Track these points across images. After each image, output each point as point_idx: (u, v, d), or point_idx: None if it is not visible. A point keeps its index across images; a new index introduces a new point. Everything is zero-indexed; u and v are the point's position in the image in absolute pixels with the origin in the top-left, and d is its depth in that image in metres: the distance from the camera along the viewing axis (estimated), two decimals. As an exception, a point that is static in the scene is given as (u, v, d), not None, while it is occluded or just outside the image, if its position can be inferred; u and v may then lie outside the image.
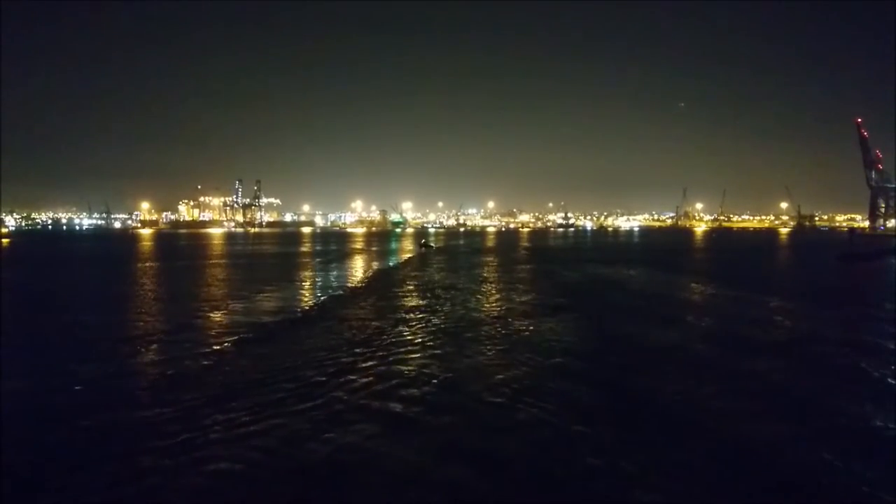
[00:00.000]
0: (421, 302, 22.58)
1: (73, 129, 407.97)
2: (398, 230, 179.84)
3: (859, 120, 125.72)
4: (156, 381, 11.31)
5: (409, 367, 12.33)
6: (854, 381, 11.63)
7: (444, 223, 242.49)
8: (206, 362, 12.89)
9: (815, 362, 13.16)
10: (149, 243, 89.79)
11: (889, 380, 11.74)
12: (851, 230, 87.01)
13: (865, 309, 21.90)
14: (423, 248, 68.26)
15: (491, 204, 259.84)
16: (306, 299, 24.15)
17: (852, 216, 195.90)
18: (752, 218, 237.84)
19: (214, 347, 14.45)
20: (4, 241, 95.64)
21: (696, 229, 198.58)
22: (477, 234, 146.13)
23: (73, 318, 19.10)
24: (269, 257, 55.18)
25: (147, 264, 45.72)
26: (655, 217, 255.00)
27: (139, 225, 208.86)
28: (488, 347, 14.46)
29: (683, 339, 15.54)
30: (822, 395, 10.50)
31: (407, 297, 24.27)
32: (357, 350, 13.93)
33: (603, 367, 12.47)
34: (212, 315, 19.70)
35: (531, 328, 17.02)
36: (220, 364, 12.74)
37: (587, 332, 16.63)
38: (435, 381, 11.31)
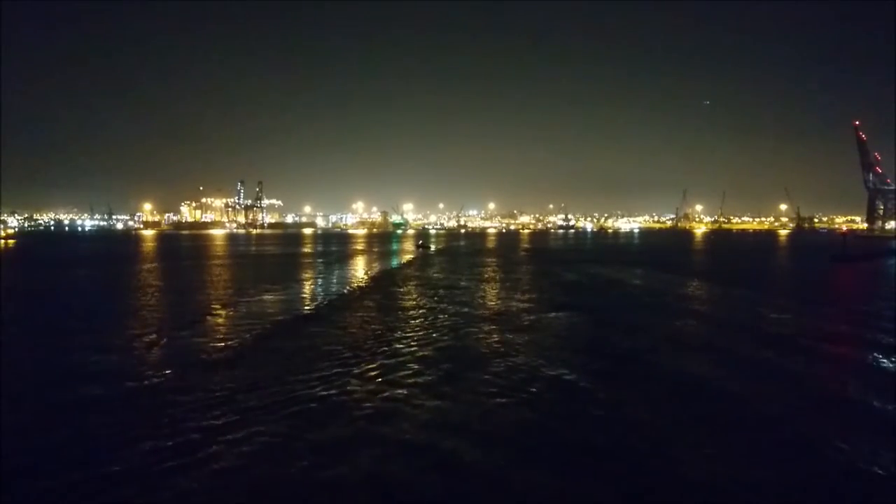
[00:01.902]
0: (425, 300, 23.45)
1: (74, 131, 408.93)
2: (399, 231, 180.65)
3: (857, 122, 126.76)
4: (184, 367, 12.22)
5: (419, 354, 13.25)
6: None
7: (445, 224, 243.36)
8: (229, 354, 13.83)
9: (776, 367, 13.70)
10: (152, 244, 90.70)
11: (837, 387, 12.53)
12: (844, 232, 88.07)
13: (842, 309, 22.74)
14: (422, 249, 69.23)
15: (491, 205, 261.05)
16: (316, 297, 25.00)
17: (852, 218, 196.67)
18: (751, 220, 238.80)
19: (234, 340, 15.36)
20: (10, 241, 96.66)
21: (695, 231, 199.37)
22: (478, 236, 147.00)
23: (98, 313, 20.05)
24: (272, 258, 56.07)
25: (154, 264, 46.63)
26: (656, 219, 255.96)
27: (141, 226, 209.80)
28: (487, 337, 15.38)
29: (665, 340, 16.42)
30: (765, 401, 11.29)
31: (411, 295, 25.13)
32: (368, 343, 14.83)
33: (592, 361, 13.37)
34: (225, 312, 20.59)
35: (529, 323, 17.91)
36: (242, 354, 13.68)
37: (583, 328, 17.54)
38: (442, 363, 12.26)
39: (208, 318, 19.36)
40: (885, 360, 13.65)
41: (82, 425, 8.97)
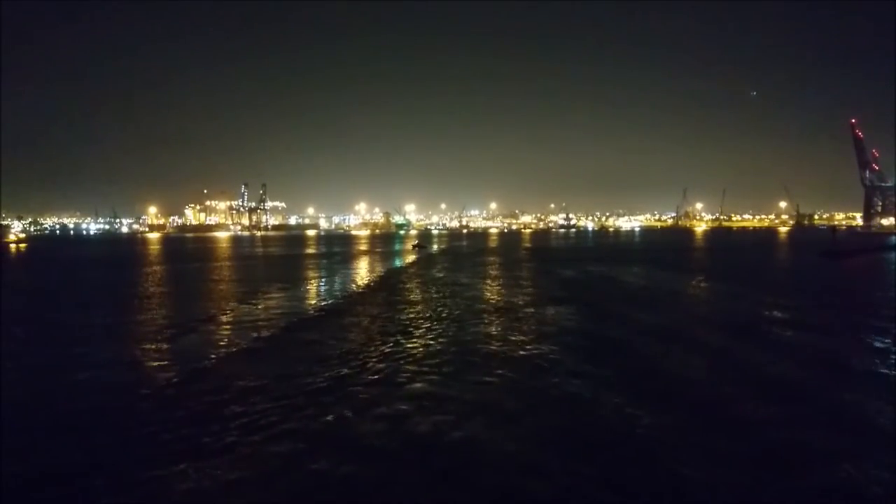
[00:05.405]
0: (431, 296, 25.03)
1: (78, 135, 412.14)
2: (402, 232, 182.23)
3: (854, 120, 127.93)
4: (225, 355, 13.85)
5: (430, 345, 14.86)
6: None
7: (447, 225, 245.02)
8: (262, 344, 15.49)
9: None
10: (158, 247, 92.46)
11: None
12: (832, 229, 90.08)
13: (817, 301, 24.26)
14: (420, 248, 71.07)
15: (493, 205, 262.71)
16: (328, 295, 26.60)
17: (852, 214, 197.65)
18: (752, 217, 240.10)
19: (264, 332, 16.99)
20: (21, 245, 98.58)
21: (696, 229, 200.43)
22: (479, 236, 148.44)
23: (122, 310, 21.72)
24: (279, 259, 57.64)
25: (165, 266, 48.29)
26: (657, 217, 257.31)
27: (146, 229, 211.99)
28: (490, 329, 16.96)
29: (651, 333, 18.00)
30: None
31: (417, 292, 26.72)
32: (382, 335, 16.44)
33: (585, 349, 14.98)
34: (245, 308, 22.16)
35: (530, 316, 19.49)
36: (276, 344, 15.33)
37: (579, 320, 19.11)
38: (452, 349, 13.88)
39: (228, 314, 20.94)
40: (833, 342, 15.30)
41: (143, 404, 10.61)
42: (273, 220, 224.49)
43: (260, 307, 22.22)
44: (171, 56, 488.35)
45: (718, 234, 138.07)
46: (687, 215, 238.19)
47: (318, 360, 13.18)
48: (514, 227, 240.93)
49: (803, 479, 7.18)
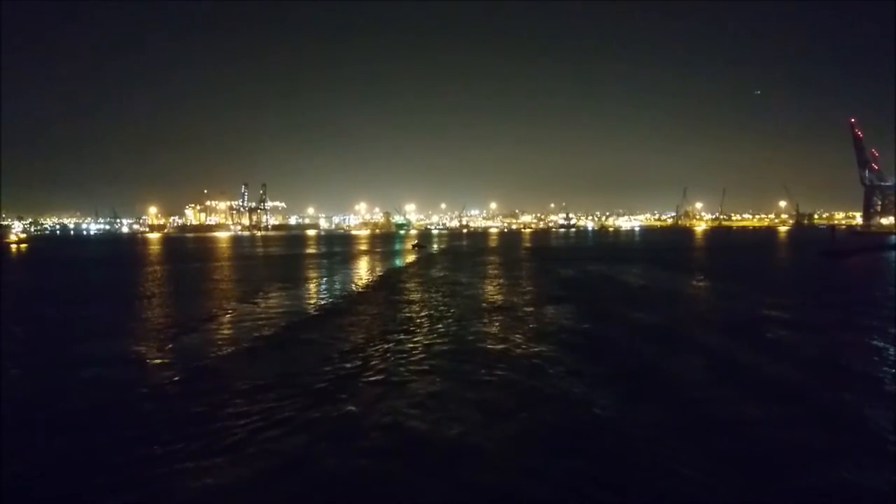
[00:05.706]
0: (431, 296, 25.05)
1: (78, 135, 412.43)
2: (402, 232, 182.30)
3: (853, 120, 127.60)
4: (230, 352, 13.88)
5: (430, 343, 14.87)
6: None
7: (447, 225, 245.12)
8: (263, 343, 15.49)
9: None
10: (158, 247, 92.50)
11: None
12: (832, 228, 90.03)
13: (815, 300, 24.27)
14: (419, 248, 71.16)
15: (493, 205, 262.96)
16: (329, 294, 26.59)
17: (852, 214, 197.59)
18: (752, 217, 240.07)
19: (257, 333, 17.00)
20: (23, 245, 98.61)
21: (696, 228, 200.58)
22: (480, 236, 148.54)
23: (123, 309, 21.74)
24: (280, 259, 57.67)
25: (164, 266, 48.32)
26: (657, 217, 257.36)
27: (147, 229, 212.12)
28: (490, 328, 16.97)
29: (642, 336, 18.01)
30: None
31: (417, 292, 26.73)
32: (383, 334, 16.46)
33: (583, 348, 15.00)
34: (248, 308, 22.17)
35: (529, 316, 19.51)
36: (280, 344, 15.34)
37: (578, 319, 19.12)
38: (452, 348, 13.88)
39: (228, 314, 20.96)
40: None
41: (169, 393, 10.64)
42: (273, 220, 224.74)
43: (261, 306, 22.26)
44: (171, 56, 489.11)
45: (718, 234, 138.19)
46: (687, 215, 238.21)
47: (320, 358, 13.24)
48: (514, 226, 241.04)
49: (802, 480, 7.20)
